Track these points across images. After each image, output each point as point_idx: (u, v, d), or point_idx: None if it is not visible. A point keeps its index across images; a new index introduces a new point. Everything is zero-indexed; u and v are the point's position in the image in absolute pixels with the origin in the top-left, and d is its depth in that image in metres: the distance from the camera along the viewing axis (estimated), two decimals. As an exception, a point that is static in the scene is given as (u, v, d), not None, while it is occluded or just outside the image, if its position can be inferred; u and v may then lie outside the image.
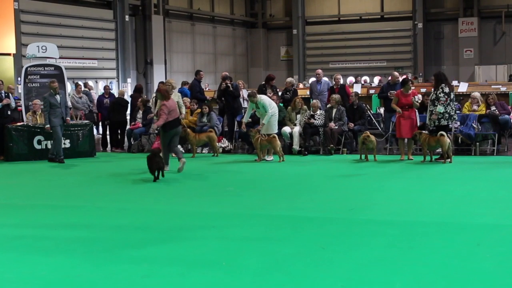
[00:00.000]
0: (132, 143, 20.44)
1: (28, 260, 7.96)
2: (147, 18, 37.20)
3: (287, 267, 7.37)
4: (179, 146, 16.59)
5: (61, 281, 7.17)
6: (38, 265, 7.74)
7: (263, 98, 17.51)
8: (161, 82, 22.15)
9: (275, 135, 17.11)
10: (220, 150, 19.09)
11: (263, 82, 20.80)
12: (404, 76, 21.31)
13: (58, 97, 17.86)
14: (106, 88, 23.64)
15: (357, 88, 23.78)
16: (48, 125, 17.78)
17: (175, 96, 18.57)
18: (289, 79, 21.88)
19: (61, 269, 7.57)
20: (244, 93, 21.86)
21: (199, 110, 19.85)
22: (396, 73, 19.94)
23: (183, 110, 18.56)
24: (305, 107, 18.91)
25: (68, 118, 18.30)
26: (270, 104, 17.41)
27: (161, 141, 16.02)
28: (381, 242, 8.34)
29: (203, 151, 19.44)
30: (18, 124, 19.01)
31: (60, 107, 17.87)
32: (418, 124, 16.84)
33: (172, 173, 15.23)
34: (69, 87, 21.64)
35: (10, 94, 19.48)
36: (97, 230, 9.57)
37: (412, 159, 16.57)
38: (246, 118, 17.88)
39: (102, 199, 12.32)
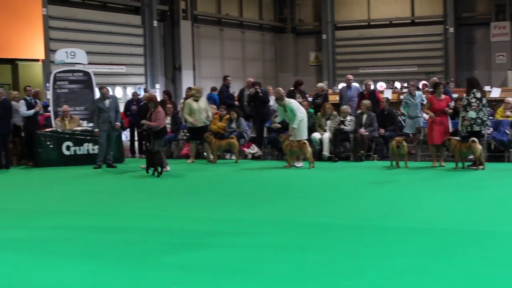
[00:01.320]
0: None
1: (59, 265, 8.04)
2: (175, 23, 37.30)
3: (318, 275, 7.36)
4: None
5: (91, 286, 7.23)
6: (68, 270, 7.81)
7: (292, 102, 17.48)
8: (189, 88, 22.28)
9: (305, 141, 17.09)
10: (250, 156, 19.13)
11: (292, 88, 20.81)
12: (435, 80, 21.22)
13: (107, 102, 18.06)
14: (134, 94, 23.68)
15: (388, 94, 23.70)
16: (97, 129, 18.03)
17: (202, 102, 18.70)
18: (320, 84, 21.87)
19: (90, 274, 7.62)
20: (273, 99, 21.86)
21: (227, 116, 19.89)
22: (435, 78, 19.96)
23: (210, 114, 18.74)
24: (335, 112, 18.88)
25: (118, 123, 18.42)
26: (298, 108, 17.38)
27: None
28: (413, 250, 8.30)
29: (228, 157, 19.46)
30: (47, 130, 19.19)
31: (109, 111, 18.01)
32: (451, 130, 16.77)
33: (201, 180, 15.34)
34: (97, 93, 21.72)
35: (38, 101, 19.63)
36: (127, 236, 9.64)
37: (444, 166, 16.49)
38: (278, 119, 17.88)
39: (130, 205, 12.39)
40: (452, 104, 17.03)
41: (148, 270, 7.73)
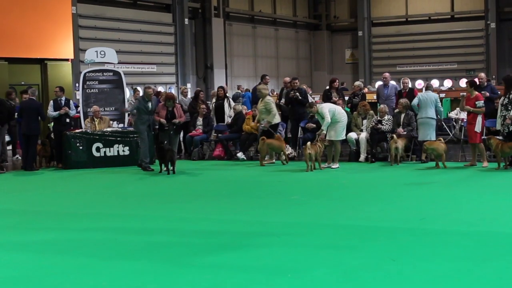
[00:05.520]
0: (192, 150, 20.56)
1: (95, 267, 8.15)
2: (207, 21, 37.44)
3: (356, 279, 7.35)
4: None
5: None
6: (104, 272, 7.92)
7: (322, 107, 17.35)
8: (221, 87, 22.33)
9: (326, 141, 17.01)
10: (283, 157, 19.11)
11: (327, 87, 20.77)
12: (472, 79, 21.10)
13: (149, 104, 18.09)
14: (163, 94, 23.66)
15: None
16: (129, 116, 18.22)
17: (263, 101, 18.65)
18: (357, 82, 21.78)
19: (127, 276, 7.72)
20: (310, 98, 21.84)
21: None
22: (482, 74, 19.78)
23: (270, 118, 18.72)
24: (371, 112, 18.80)
25: (156, 127, 18.49)
26: (335, 111, 17.25)
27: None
28: (453, 254, 8.25)
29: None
30: (77, 131, 19.30)
31: (148, 113, 18.05)
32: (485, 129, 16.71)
33: (233, 183, 15.41)
34: (127, 92, 21.85)
35: (70, 101, 19.75)
36: (163, 237, 9.70)
37: (486, 166, 16.36)
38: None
39: (162, 207, 12.45)
40: (480, 103, 16.82)
41: (186, 271, 7.81)
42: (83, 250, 9.07)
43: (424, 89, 20.92)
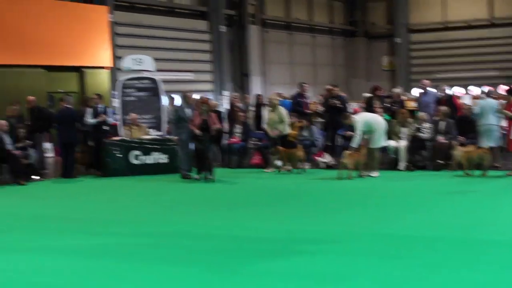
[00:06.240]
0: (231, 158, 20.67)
1: (147, 271, 8.36)
2: (243, 28, 37.53)
3: (401, 288, 7.41)
4: None
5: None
6: (154, 276, 8.14)
7: (357, 120, 17.28)
8: (259, 95, 22.43)
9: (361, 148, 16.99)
10: (322, 165, 19.17)
11: (371, 94, 20.80)
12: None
13: (188, 111, 18.23)
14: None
15: (466, 99, 23.46)
16: (177, 137, 18.33)
17: (277, 112, 18.81)
18: (397, 90, 21.79)
19: (178, 281, 7.90)
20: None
21: (299, 123, 19.97)
22: None
23: (285, 126, 18.82)
24: (410, 120, 18.78)
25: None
26: (371, 120, 17.22)
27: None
28: (495, 263, 8.24)
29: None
30: (115, 138, 19.49)
31: (188, 121, 18.21)
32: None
33: (271, 191, 15.50)
34: (164, 100, 22.00)
35: (107, 108, 19.98)
36: (204, 244, 9.82)
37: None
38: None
39: (201, 215, 12.57)
40: None
41: (232, 279, 7.96)
42: (128, 255, 9.26)
43: (484, 95, 20.79)
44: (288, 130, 19.07)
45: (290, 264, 8.52)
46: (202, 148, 17.42)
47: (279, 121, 18.82)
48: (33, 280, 8.22)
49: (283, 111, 19.23)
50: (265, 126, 19.53)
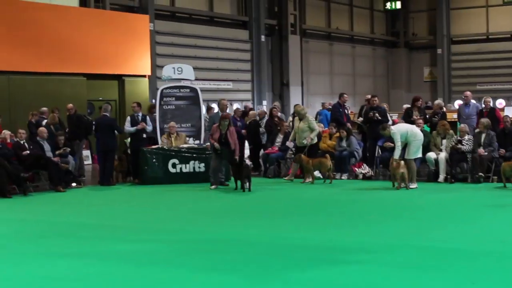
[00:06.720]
0: (268, 167, 20.64)
1: (189, 277, 8.48)
2: (284, 38, 37.62)
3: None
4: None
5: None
6: (192, 282, 8.24)
7: (394, 132, 17.13)
8: (297, 105, 22.38)
9: (401, 162, 16.81)
10: (361, 176, 19.08)
11: (409, 105, 20.66)
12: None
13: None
14: (237, 111, 23.78)
15: (509, 112, 23.21)
16: (209, 143, 18.40)
17: (305, 121, 18.81)
18: (438, 101, 21.61)
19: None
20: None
21: (338, 134, 19.90)
22: None
23: (312, 135, 18.78)
24: (451, 131, 18.61)
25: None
26: (408, 132, 17.06)
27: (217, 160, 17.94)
28: (536, 278, 8.14)
29: (338, 177, 19.45)
30: (153, 147, 19.59)
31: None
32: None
33: (309, 201, 15.47)
34: (203, 109, 22.08)
35: (147, 117, 20.08)
36: (244, 252, 9.89)
37: None
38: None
39: (238, 224, 12.59)
40: None
41: (273, 287, 8.03)
42: (166, 262, 9.31)
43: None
44: (316, 139, 19.09)
45: (330, 274, 8.51)
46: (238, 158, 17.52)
47: (308, 130, 18.81)
48: (74, 285, 8.33)
49: (312, 120, 19.34)
50: (291, 136, 19.54)
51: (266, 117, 22.53)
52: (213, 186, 17.78)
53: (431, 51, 46.17)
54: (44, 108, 21.17)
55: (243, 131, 20.89)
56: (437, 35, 45.19)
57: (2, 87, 23.69)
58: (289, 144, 19.61)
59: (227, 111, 19.59)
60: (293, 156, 19.88)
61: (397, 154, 16.83)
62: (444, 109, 23.42)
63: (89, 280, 8.46)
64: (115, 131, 19.60)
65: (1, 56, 23.41)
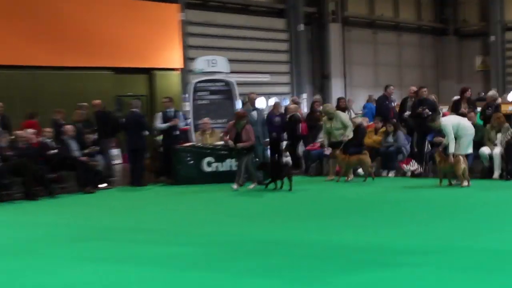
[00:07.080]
0: (310, 165, 20.65)
1: (233, 281, 8.58)
2: (324, 26, 37.53)
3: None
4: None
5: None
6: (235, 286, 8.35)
7: (446, 124, 17.02)
8: (341, 98, 22.36)
9: (459, 157, 16.71)
10: (409, 173, 19.03)
11: (458, 97, 20.54)
12: None
13: (254, 113, 18.32)
14: (276, 105, 23.48)
15: None
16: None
17: (337, 119, 18.80)
18: (491, 92, 21.41)
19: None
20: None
21: (384, 129, 19.87)
22: None
23: (347, 131, 18.77)
24: (507, 125, 18.48)
25: (266, 140, 18.71)
26: (459, 125, 16.99)
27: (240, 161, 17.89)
28: None
29: (385, 174, 19.41)
30: (186, 144, 19.63)
31: (256, 125, 18.34)
32: None
33: (354, 200, 15.49)
34: (239, 104, 22.09)
35: (180, 112, 20.11)
36: (288, 255, 9.93)
37: None
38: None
39: (283, 224, 12.62)
40: None
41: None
42: (210, 266, 9.42)
43: None
44: (352, 134, 19.08)
45: (382, 277, 8.53)
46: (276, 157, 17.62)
47: (342, 127, 18.78)
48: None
49: (344, 116, 19.40)
50: (321, 136, 19.57)
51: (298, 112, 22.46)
52: (234, 186, 17.74)
53: (483, 38, 45.76)
54: (84, 103, 20.93)
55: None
56: (490, 21, 44.77)
57: (26, 83, 23.89)
58: (327, 151, 19.43)
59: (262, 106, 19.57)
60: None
61: (452, 147, 16.71)
62: (499, 100, 23.26)
63: (129, 286, 8.57)
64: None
65: (25, 50, 23.62)
